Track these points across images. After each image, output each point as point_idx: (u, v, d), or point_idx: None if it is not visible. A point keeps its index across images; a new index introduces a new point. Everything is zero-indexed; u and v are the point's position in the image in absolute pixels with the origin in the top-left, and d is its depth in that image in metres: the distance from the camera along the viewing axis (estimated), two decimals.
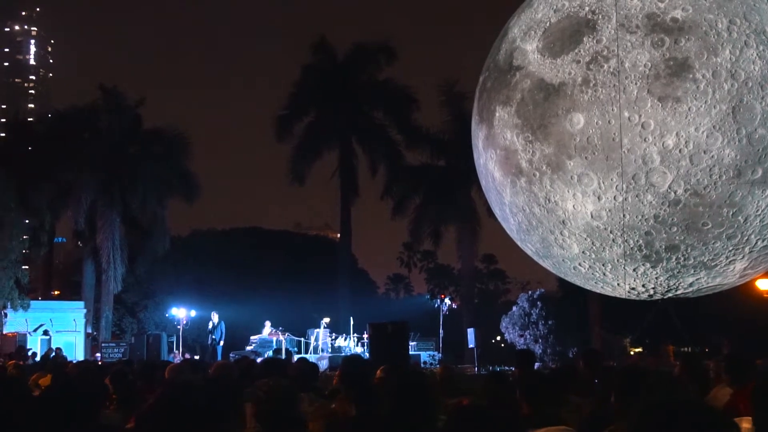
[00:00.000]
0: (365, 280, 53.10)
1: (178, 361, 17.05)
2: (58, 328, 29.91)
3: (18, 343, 26.10)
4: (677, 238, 9.15)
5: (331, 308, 32.93)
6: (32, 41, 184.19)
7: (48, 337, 28.68)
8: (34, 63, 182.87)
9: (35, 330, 28.74)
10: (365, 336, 25.05)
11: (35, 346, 27.20)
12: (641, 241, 9.30)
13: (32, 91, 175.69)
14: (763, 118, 8.39)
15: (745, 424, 4.00)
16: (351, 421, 4.41)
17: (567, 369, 7.56)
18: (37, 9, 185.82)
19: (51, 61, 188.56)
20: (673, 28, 8.67)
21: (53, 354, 24.46)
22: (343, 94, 35.46)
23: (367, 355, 21.47)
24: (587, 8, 9.28)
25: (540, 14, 9.95)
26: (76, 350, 30.06)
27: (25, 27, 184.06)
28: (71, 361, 17.35)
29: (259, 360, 14.18)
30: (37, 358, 23.27)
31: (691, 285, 10.03)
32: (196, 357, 30.05)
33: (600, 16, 9.08)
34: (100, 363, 18.17)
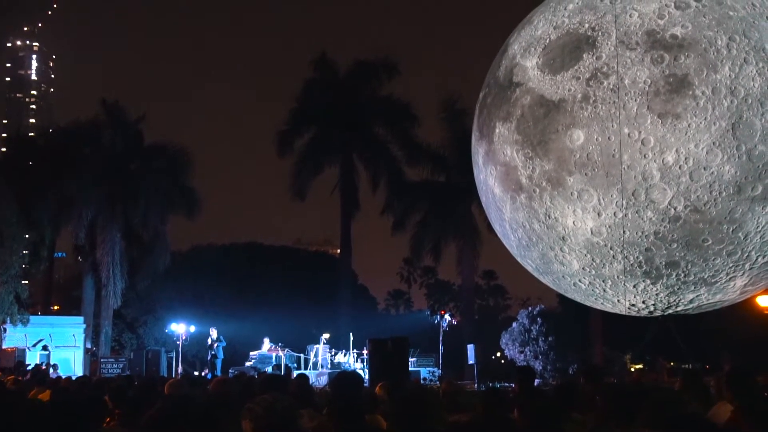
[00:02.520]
0: (365, 295, 52.98)
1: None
2: (58, 344, 29.81)
3: (17, 359, 26.02)
4: (677, 254, 9.15)
5: (330, 324, 32.85)
6: (34, 56, 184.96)
7: (47, 352, 28.59)
8: (36, 78, 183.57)
9: (34, 345, 28.64)
10: (365, 352, 24.97)
11: (34, 361, 27.11)
12: (641, 258, 9.29)
13: (33, 106, 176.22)
14: (763, 134, 8.41)
15: None
16: None
17: (567, 385, 7.53)
18: (39, 24, 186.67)
19: (52, 76, 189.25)
20: (672, 44, 8.70)
21: (51, 369, 24.38)
22: (345, 110, 35.55)
23: (367, 371, 21.38)
24: (587, 25, 9.32)
25: (540, 31, 9.99)
26: (74, 365, 29.97)
27: (27, 42, 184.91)
28: (61, 377, 17.30)
29: (257, 377, 14.12)
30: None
31: (691, 302, 10.01)
32: (196, 372, 29.95)
33: (600, 33, 9.12)
34: (95, 378, 18.10)
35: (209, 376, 24.96)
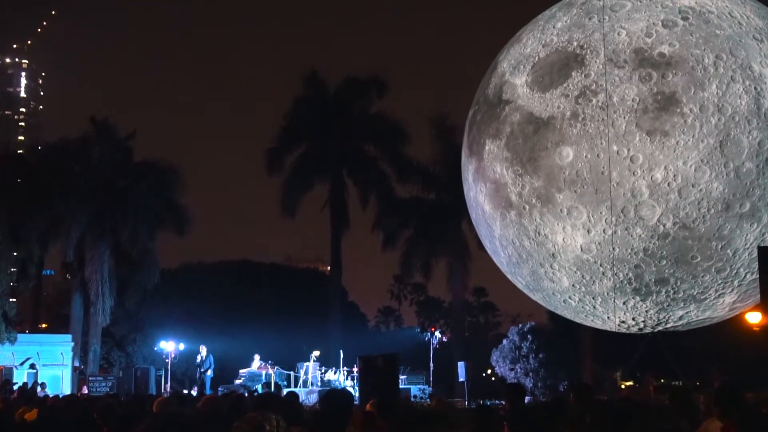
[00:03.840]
0: (355, 312, 52.81)
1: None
2: (45, 362, 29.56)
3: (4, 377, 25.80)
4: (667, 271, 9.18)
5: (321, 341, 32.72)
6: (23, 74, 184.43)
7: (35, 370, 28.35)
8: (25, 95, 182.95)
9: (22, 363, 28.38)
10: (355, 369, 24.88)
11: (22, 379, 26.89)
12: (631, 275, 9.32)
13: (22, 123, 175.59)
14: (751, 151, 8.47)
15: None
16: None
17: (557, 402, 7.51)
18: (28, 42, 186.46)
19: (41, 93, 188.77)
20: (660, 62, 8.77)
21: (39, 388, 24.18)
22: (335, 127, 35.60)
23: (357, 388, 21.29)
24: (575, 43, 9.39)
25: (529, 49, 10.05)
26: (63, 384, 29.72)
27: (16, 59, 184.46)
28: (49, 395, 17.15)
29: (247, 395, 14.05)
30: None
31: (680, 318, 10.04)
32: (185, 391, 29.75)
33: (588, 51, 9.19)
34: (80, 395, 17.96)
35: (196, 393, 24.82)
